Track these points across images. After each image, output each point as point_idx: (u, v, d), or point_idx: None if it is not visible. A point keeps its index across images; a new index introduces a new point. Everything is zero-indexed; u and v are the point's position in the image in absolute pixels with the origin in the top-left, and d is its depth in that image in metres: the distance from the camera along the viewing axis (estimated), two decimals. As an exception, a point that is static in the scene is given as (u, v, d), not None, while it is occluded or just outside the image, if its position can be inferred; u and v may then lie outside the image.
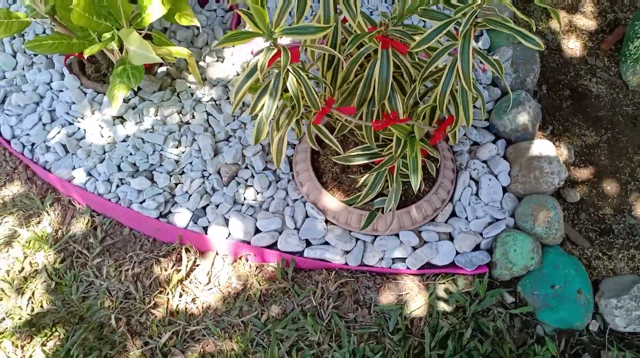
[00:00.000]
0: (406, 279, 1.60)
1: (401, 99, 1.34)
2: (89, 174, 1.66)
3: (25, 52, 1.87)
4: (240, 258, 1.61)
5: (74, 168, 1.67)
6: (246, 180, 1.66)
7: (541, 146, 1.72)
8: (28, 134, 1.73)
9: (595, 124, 1.95)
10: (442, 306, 1.55)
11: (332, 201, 1.59)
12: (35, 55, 1.86)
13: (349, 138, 1.65)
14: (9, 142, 1.73)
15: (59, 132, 1.71)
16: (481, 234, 1.62)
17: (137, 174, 1.65)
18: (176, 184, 1.64)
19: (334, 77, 1.38)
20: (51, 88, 1.80)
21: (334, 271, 1.58)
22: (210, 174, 1.65)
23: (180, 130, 1.71)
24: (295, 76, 1.18)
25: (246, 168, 1.67)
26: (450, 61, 1.27)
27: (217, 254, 1.62)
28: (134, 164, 1.66)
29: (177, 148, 1.68)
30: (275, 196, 1.64)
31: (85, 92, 1.78)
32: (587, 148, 1.90)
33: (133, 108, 1.75)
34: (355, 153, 1.44)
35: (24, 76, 1.83)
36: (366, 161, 1.45)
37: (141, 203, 1.62)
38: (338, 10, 1.28)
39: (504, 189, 1.71)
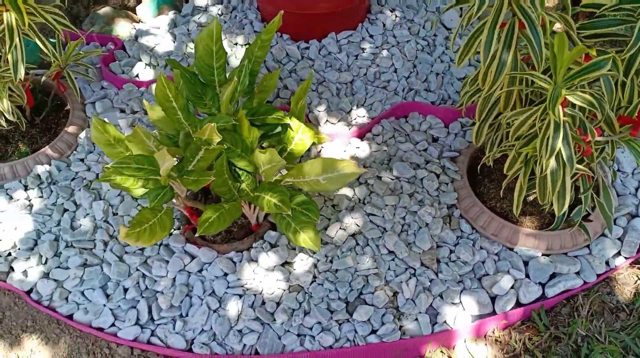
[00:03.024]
0: (625, 270, 1.63)
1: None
2: (299, 335, 1.47)
3: (126, 252, 1.60)
4: (485, 335, 1.53)
5: (280, 337, 1.46)
6: (449, 257, 1.58)
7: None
8: (204, 331, 1.48)
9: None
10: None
11: (532, 233, 1.59)
12: (142, 250, 1.60)
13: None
14: (189, 350, 1.47)
15: (240, 311, 1.49)
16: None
17: (352, 306, 1.49)
18: (394, 295, 1.52)
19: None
20: (190, 273, 1.56)
21: (578, 296, 1.57)
22: (416, 269, 1.55)
23: (359, 242, 1.58)
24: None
25: (439, 246, 1.60)
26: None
27: (465, 341, 1.52)
28: (340, 298, 1.50)
29: (367, 261, 1.55)
30: (482, 258, 1.58)
31: (230, 258, 1.57)
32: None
33: (293, 248, 1.59)
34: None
35: (145, 276, 1.56)
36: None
37: (374, 332, 1.47)
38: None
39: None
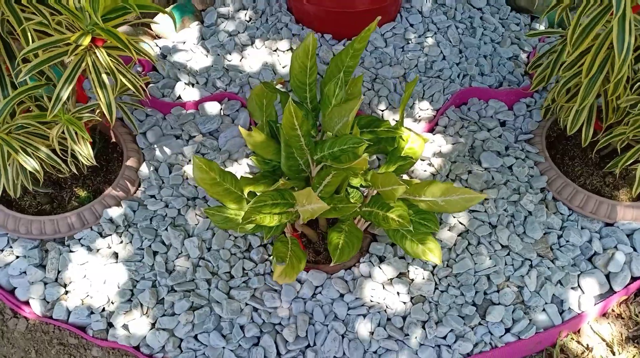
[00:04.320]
0: None
1: None
2: (434, 346, 1.43)
3: (231, 287, 1.50)
4: (606, 313, 1.55)
5: (417, 352, 1.42)
6: (558, 242, 1.58)
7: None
8: (337, 358, 1.42)
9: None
10: None
11: (630, 205, 1.60)
12: (246, 282, 1.51)
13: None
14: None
15: (371, 332, 1.43)
16: None
17: (482, 308, 1.47)
18: (519, 290, 1.50)
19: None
20: (304, 299, 1.49)
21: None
22: (532, 260, 1.54)
23: (471, 242, 1.55)
24: None
25: (545, 233, 1.59)
26: None
27: (588, 323, 1.53)
28: (467, 302, 1.47)
29: (485, 260, 1.52)
30: (587, 238, 1.59)
31: (341, 277, 1.51)
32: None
33: (402, 257, 1.54)
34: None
35: (257, 309, 1.47)
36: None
37: (508, 330, 1.45)
38: None
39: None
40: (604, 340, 1.50)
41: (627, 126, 1.44)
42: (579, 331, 1.52)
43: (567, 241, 1.57)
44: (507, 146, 1.75)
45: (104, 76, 1.26)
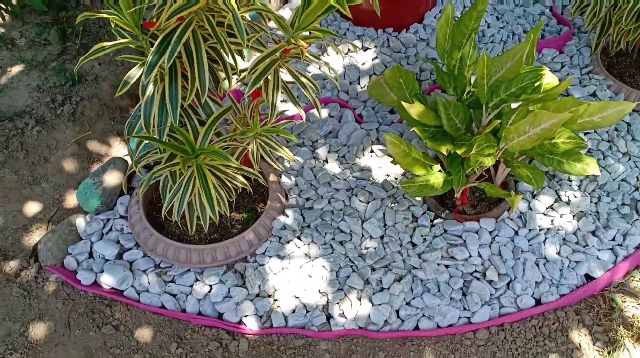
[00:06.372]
0: None
1: None
2: (608, 249, 1.64)
3: (418, 253, 1.63)
4: None
5: (598, 257, 1.62)
6: (659, 141, 1.85)
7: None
8: (539, 283, 1.58)
9: None
10: None
11: None
12: (428, 246, 1.65)
13: None
14: (539, 304, 1.57)
15: (557, 251, 1.61)
16: None
17: (632, 207, 1.69)
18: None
19: None
20: (486, 244, 1.65)
21: None
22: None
23: (598, 157, 1.78)
24: None
25: None
26: None
27: None
28: (619, 205, 1.70)
29: (619, 167, 1.75)
30: None
31: (506, 216, 1.68)
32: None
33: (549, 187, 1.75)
34: None
35: (447, 266, 1.62)
36: None
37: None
38: None
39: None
40: None
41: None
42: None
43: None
44: (579, 80, 2.01)
45: (304, 79, 1.38)
